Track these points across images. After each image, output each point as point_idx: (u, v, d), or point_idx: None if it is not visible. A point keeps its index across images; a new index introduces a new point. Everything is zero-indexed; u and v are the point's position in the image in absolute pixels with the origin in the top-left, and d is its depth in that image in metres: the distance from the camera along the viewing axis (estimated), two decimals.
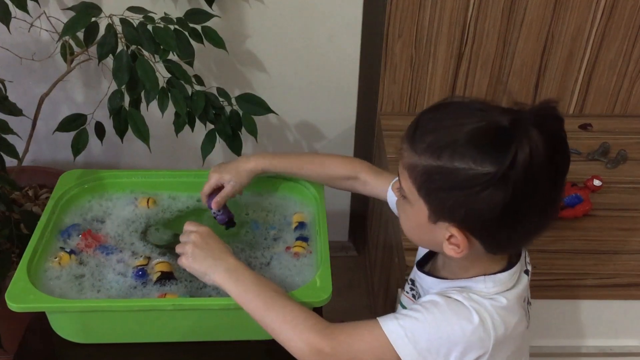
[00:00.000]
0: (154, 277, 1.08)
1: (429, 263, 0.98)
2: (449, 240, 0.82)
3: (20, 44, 1.59)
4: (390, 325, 0.83)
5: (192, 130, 1.48)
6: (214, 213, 1.17)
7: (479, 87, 1.70)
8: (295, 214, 1.23)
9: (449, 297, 0.83)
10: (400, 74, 1.68)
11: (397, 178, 0.88)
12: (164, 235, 1.19)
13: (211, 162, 1.80)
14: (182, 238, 1.01)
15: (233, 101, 1.50)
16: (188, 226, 1.02)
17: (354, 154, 1.87)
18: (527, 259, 0.93)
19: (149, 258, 1.12)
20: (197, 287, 1.07)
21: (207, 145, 1.52)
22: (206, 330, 1.07)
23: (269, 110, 1.50)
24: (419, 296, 0.97)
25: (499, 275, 0.86)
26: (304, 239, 1.17)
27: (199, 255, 0.97)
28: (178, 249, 1.00)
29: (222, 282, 0.94)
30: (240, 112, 1.50)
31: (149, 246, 1.16)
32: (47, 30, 1.55)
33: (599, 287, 1.24)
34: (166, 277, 1.08)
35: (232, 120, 1.49)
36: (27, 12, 1.42)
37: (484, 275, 0.86)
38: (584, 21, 1.59)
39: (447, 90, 1.70)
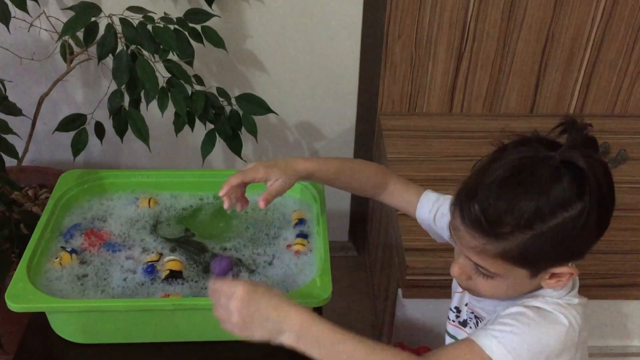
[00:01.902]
0: (163, 274, 1.08)
1: None
2: (551, 278, 0.85)
3: (20, 43, 1.59)
4: (490, 343, 0.82)
5: (192, 130, 1.48)
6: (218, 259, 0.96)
7: (479, 87, 1.70)
8: (294, 212, 1.23)
9: (532, 306, 0.85)
10: (400, 74, 1.67)
11: (462, 263, 0.87)
12: (175, 231, 1.19)
13: (211, 162, 1.80)
14: (217, 300, 0.86)
15: (233, 101, 1.50)
16: (223, 288, 0.85)
17: (354, 154, 1.87)
18: None
19: (160, 254, 1.12)
20: (201, 286, 1.07)
21: (207, 145, 1.51)
22: (206, 330, 1.07)
23: (269, 110, 1.50)
24: (469, 322, 0.98)
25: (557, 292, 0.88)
26: (303, 235, 1.17)
27: (254, 326, 0.83)
28: (219, 315, 0.86)
29: (298, 346, 0.81)
30: (240, 112, 1.50)
31: (160, 241, 1.16)
32: (46, 30, 1.55)
33: (599, 287, 1.24)
34: (175, 275, 1.08)
35: (232, 120, 1.49)
36: (27, 11, 1.42)
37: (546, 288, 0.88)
38: (584, 21, 1.59)
39: (448, 90, 1.70)
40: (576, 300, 0.87)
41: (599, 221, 0.80)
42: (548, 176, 0.78)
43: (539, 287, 0.87)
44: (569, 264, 0.85)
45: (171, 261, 1.10)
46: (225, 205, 1.03)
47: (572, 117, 0.81)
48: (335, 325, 0.82)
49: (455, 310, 1.02)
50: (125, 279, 1.08)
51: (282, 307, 0.82)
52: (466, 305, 1.00)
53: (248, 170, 1.04)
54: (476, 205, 0.80)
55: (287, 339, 0.81)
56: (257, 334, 0.83)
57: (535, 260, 0.81)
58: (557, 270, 0.84)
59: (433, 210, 1.05)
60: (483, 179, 0.82)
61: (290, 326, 0.81)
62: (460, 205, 0.83)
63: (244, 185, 1.05)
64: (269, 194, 1.03)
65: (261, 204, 1.02)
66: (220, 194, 1.02)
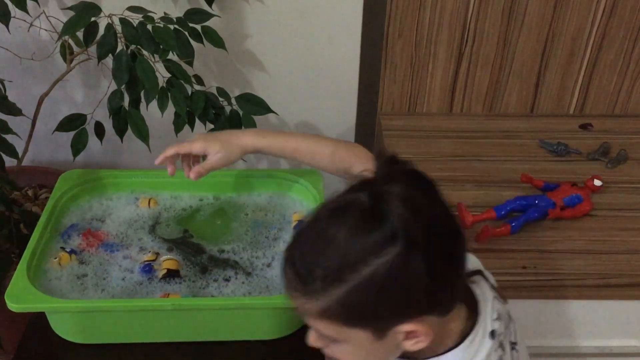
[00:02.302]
0: (160, 273, 1.08)
1: None
2: (407, 338, 0.74)
3: (19, 43, 1.59)
4: None
5: (192, 130, 1.48)
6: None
7: (479, 87, 1.69)
8: (295, 214, 1.23)
9: None
10: (400, 74, 1.67)
11: (312, 332, 0.78)
12: (174, 231, 1.19)
13: None
14: None
15: (233, 101, 1.50)
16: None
17: None
18: (494, 315, 0.83)
19: (157, 254, 1.12)
20: (199, 286, 1.07)
21: None
22: (206, 330, 1.07)
23: (268, 110, 1.50)
24: None
25: (460, 346, 0.79)
26: None
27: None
28: None
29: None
30: (240, 112, 1.50)
31: (157, 241, 1.16)
32: (46, 30, 1.55)
33: (600, 287, 1.24)
34: (172, 274, 1.08)
35: (232, 120, 1.49)
36: (27, 11, 1.42)
37: (446, 353, 0.79)
38: (584, 21, 1.59)
39: (448, 90, 1.70)
40: None
41: (431, 265, 0.68)
42: (355, 219, 0.68)
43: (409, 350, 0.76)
44: (421, 320, 0.72)
45: (167, 260, 1.10)
46: (169, 171, 1.06)
47: (381, 150, 0.72)
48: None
49: None
50: (123, 279, 1.08)
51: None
52: None
53: (186, 142, 1.03)
54: (288, 264, 0.72)
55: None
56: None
57: (364, 318, 0.71)
58: (406, 328, 0.72)
59: None
60: (296, 236, 0.75)
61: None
62: (281, 270, 0.74)
63: (186, 158, 1.06)
64: (202, 167, 1.03)
65: (191, 175, 1.03)
66: (156, 162, 1.04)
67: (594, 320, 1.31)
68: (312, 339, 0.79)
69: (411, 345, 0.75)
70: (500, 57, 1.65)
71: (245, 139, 1.04)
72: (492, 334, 0.81)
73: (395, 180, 0.70)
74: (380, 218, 0.67)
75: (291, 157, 1.08)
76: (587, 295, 1.25)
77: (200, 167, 1.03)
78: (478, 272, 0.87)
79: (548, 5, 1.56)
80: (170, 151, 1.03)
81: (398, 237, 0.67)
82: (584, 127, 1.68)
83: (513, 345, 0.85)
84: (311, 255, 0.71)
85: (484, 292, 0.84)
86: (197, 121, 1.47)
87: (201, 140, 1.03)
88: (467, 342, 0.79)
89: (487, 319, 0.82)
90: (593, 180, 1.40)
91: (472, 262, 0.91)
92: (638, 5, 1.57)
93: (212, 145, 1.02)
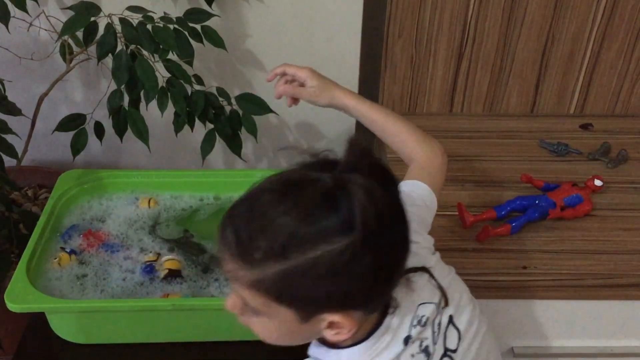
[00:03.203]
0: (162, 274, 1.08)
1: None
2: (330, 327, 0.73)
3: (19, 43, 1.59)
4: None
5: (192, 130, 1.48)
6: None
7: (479, 87, 1.69)
8: None
9: None
10: (400, 74, 1.67)
11: (234, 297, 0.75)
12: (174, 231, 1.19)
13: (211, 162, 1.80)
14: None
15: (233, 101, 1.50)
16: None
17: None
18: (414, 322, 0.80)
19: (158, 254, 1.12)
20: (200, 286, 1.07)
21: (207, 145, 1.51)
22: (206, 330, 1.07)
23: (268, 110, 1.50)
24: None
25: (352, 348, 0.77)
26: None
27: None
28: None
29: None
30: (240, 112, 1.50)
31: (158, 241, 1.16)
32: (46, 30, 1.55)
33: (600, 288, 1.24)
34: (173, 274, 1.08)
35: (231, 120, 1.49)
36: (26, 11, 1.42)
37: (348, 347, 0.77)
38: (584, 21, 1.59)
39: (448, 90, 1.70)
40: None
41: (377, 264, 0.66)
42: (314, 200, 0.66)
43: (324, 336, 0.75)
44: (349, 314, 0.71)
45: (169, 260, 1.10)
46: (276, 94, 1.13)
47: (356, 139, 0.70)
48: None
49: None
50: (124, 279, 1.08)
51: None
52: None
53: (295, 66, 1.12)
54: (230, 225, 0.69)
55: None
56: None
57: (295, 298, 0.69)
58: (332, 318, 0.70)
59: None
60: (246, 198, 0.71)
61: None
62: (220, 226, 0.71)
63: (289, 77, 1.13)
64: (292, 87, 1.12)
65: (279, 88, 1.12)
66: (268, 78, 1.14)
67: (595, 321, 1.31)
68: (231, 305, 0.75)
69: (331, 335, 0.73)
70: (501, 57, 1.65)
71: (339, 91, 1.12)
72: (406, 339, 0.79)
73: (362, 171, 0.67)
74: (339, 205, 0.65)
75: (368, 124, 1.14)
76: (588, 295, 1.25)
77: (291, 86, 1.11)
78: (422, 269, 0.84)
79: (548, 5, 1.56)
80: (279, 69, 1.12)
81: (353, 229, 0.64)
82: (584, 127, 1.68)
83: (448, 351, 0.82)
84: (258, 225, 0.67)
85: (413, 294, 0.80)
86: (197, 121, 1.46)
87: (308, 71, 1.12)
88: (368, 342, 0.77)
89: (405, 324, 0.79)
90: (593, 180, 1.40)
91: (424, 255, 0.89)
92: (638, 5, 1.57)
93: (313, 78, 1.11)
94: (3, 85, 1.43)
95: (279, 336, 0.76)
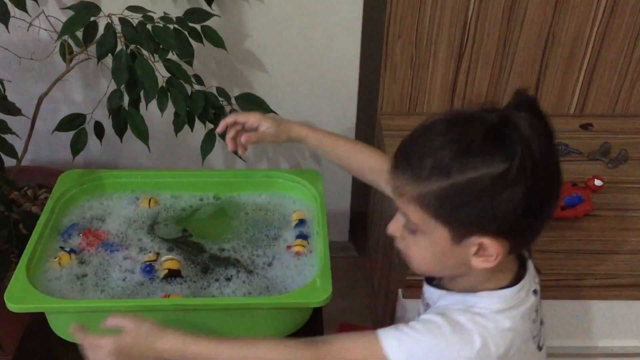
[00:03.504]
0: (162, 273, 1.08)
1: (436, 279, 0.95)
2: (477, 253, 0.80)
3: (19, 43, 1.59)
4: (390, 341, 0.81)
5: (192, 130, 1.48)
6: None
7: (479, 87, 1.69)
8: (294, 213, 1.23)
9: (452, 319, 0.81)
10: (400, 74, 1.67)
11: (397, 219, 0.84)
12: (173, 231, 1.19)
13: (211, 162, 1.80)
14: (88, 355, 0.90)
15: (233, 101, 1.50)
16: (89, 343, 0.90)
17: None
18: (537, 279, 0.91)
19: (158, 254, 1.12)
20: (200, 286, 1.07)
21: (207, 145, 1.51)
22: (206, 330, 1.07)
23: (268, 110, 1.50)
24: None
25: (504, 291, 0.84)
26: (303, 237, 1.17)
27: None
28: None
29: (180, 346, 0.86)
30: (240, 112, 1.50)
31: (157, 241, 1.16)
32: (46, 30, 1.55)
33: (600, 288, 1.24)
34: (173, 274, 1.08)
35: None
36: (26, 11, 1.42)
37: (490, 290, 0.84)
38: (584, 21, 1.59)
39: (448, 90, 1.70)
40: (507, 325, 0.82)
41: (527, 196, 0.74)
42: (479, 130, 0.76)
43: (468, 270, 0.82)
44: (498, 241, 0.78)
45: (168, 260, 1.10)
46: (230, 146, 1.11)
47: (524, 88, 0.79)
48: (211, 339, 0.85)
49: (425, 306, 1.00)
50: (124, 279, 1.08)
51: (155, 342, 0.86)
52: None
53: (243, 113, 1.12)
54: (405, 147, 0.81)
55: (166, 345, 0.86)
56: None
57: (451, 216, 0.77)
58: (483, 241, 0.78)
59: None
60: (422, 126, 0.81)
61: (168, 353, 0.86)
62: (399, 147, 0.82)
63: (239, 125, 1.11)
64: (254, 134, 1.11)
65: (242, 139, 1.10)
66: (217, 130, 1.12)
67: (595, 321, 1.31)
68: (393, 227, 0.85)
69: (478, 262, 0.80)
70: (501, 57, 1.65)
71: (294, 125, 1.12)
72: (535, 292, 0.88)
73: (525, 112, 0.75)
74: (504, 137, 0.74)
75: (329, 151, 1.14)
76: (588, 295, 1.25)
77: (252, 134, 1.11)
78: None
79: (548, 5, 1.56)
80: (230, 119, 1.11)
81: (512, 158, 0.73)
82: (584, 127, 1.68)
83: (542, 320, 0.91)
84: (427, 146, 0.77)
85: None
86: (197, 121, 1.46)
87: (258, 114, 1.12)
88: (518, 286, 0.84)
89: (531, 279, 0.88)
90: (594, 180, 1.40)
91: None
92: (639, 5, 1.57)
93: (266, 120, 1.11)
94: (3, 85, 1.43)
95: (431, 260, 0.84)
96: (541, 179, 0.75)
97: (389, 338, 0.81)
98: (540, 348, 0.90)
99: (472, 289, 0.85)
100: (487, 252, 0.79)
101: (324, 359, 0.83)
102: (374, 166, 1.10)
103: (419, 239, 0.82)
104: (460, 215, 0.77)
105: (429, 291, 0.93)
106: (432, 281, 0.94)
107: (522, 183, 0.74)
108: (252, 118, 1.11)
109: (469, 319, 0.81)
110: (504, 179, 0.73)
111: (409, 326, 0.82)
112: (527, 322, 0.85)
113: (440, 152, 0.76)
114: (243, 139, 1.10)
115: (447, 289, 0.89)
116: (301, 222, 1.20)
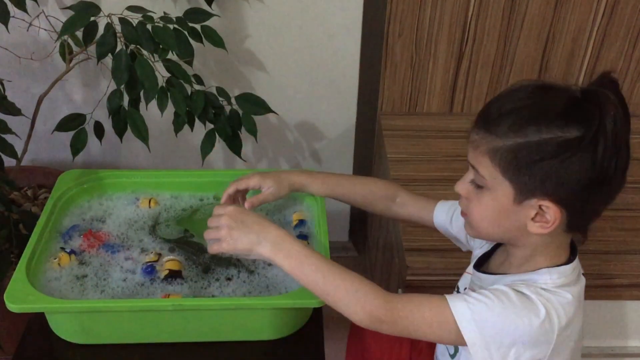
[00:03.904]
0: (163, 274, 1.08)
1: (484, 265, 0.98)
2: (534, 218, 0.83)
3: (18, 43, 1.58)
4: (459, 306, 0.83)
5: (192, 130, 1.48)
6: None
7: (479, 87, 1.69)
8: (295, 213, 1.23)
9: (517, 291, 0.84)
10: (400, 74, 1.67)
11: (465, 176, 0.89)
12: (174, 231, 1.19)
13: (211, 161, 1.80)
14: (211, 223, 0.97)
15: (233, 101, 1.50)
16: (217, 210, 0.97)
17: (354, 154, 1.87)
18: (580, 267, 0.93)
19: (159, 255, 1.12)
20: (201, 286, 1.07)
21: (207, 145, 1.51)
22: (206, 330, 1.07)
23: (268, 110, 1.50)
24: None
25: (563, 267, 0.86)
26: (304, 237, 1.17)
27: (238, 235, 0.92)
28: (209, 235, 0.96)
29: (271, 256, 0.91)
30: (240, 112, 1.50)
31: (159, 241, 1.16)
32: (45, 30, 1.55)
33: (601, 288, 1.24)
34: (174, 275, 1.08)
35: (231, 120, 1.49)
36: (26, 11, 1.42)
37: (548, 267, 0.86)
38: (584, 21, 1.59)
39: (448, 90, 1.70)
40: (569, 297, 0.85)
41: (594, 168, 0.77)
42: (562, 98, 0.80)
43: (523, 237, 0.86)
44: (558, 207, 0.81)
45: (170, 261, 1.10)
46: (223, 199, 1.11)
47: (609, 71, 0.81)
48: (311, 250, 0.91)
49: (456, 289, 1.03)
50: (124, 279, 1.08)
51: (263, 222, 0.94)
52: (465, 289, 1.00)
53: (243, 178, 1.12)
54: (489, 105, 0.85)
55: (264, 249, 0.91)
56: (240, 244, 0.92)
57: (520, 173, 0.80)
58: (544, 203, 0.81)
59: (450, 212, 1.08)
60: (509, 88, 0.85)
61: (267, 237, 0.91)
62: (486, 104, 0.86)
63: (241, 192, 1.13)
64: (257, 198, 1.11)
65: (246, 204, 1.11)
66: (222, 202, 1.11)
67: (595, 321, 1.31)
68: (460, 185, 0.90)
69: (534, 227, 0.83)
70: (501, 57, 1.65)
71: (293, 176, 1.14)
72: (582, 274, 0.91)
73: (609, 89, 0.78)
74: (584, 109, 0.77)
75: (332, 189, 1.15)
76: (588, 295, 1.24)
77: (255, 198, 1.11)
78: None
79: (548, 5, 1.56)
80: (231, 190, 1.12)
81: (587, 126, 0.76)
82: None
83: None
84: (510, 106, 0.81)
85: None
86: (197, 121, 1.46)
87: (257, 176, 1.12)
88: (574, 263, 0.88)
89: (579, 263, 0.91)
90: None
91: None
92: (639, 5, 1.57)
93: (266, 181, 1.11)
94: (3, 85, 1.43)
95: (491, 218, 0.86)
96: (611, 155, 0.78)
97: (457, 302, 0.83)
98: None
99: (529, 269, 0.87)
100: (545, 217, 0.82)
101: (392, 310, 0.85)
102: (383, 194, 1.14)
103: (484, 195, 0.86)
104: (527, 174, 0.80)
105: (480, 279, 0.94)
106: (480, 267, 0.96)
107: (592, 154, 0.77)
108: (252, 182, 1.12)
109: (534, 292, 0.83)
110: (574, 146, 0.77)
111: (478, 293, 0.84)
112: (582, 299, 0.88)
113: (521, 111, 0.80)
114: (247, 205, 1.10)
115: (502, 273, 0.91)
116: (301, 222, 1.20)
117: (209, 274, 1.10)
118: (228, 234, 0.93)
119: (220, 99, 1.49)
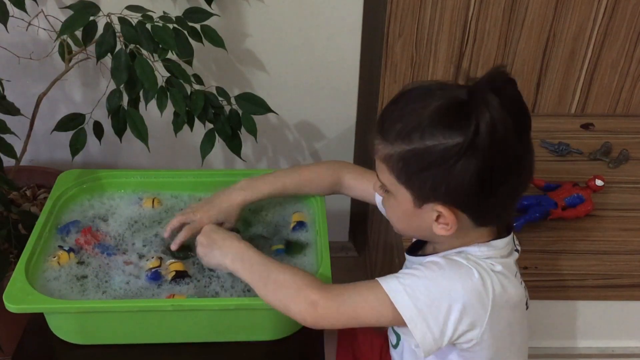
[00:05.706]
0: (169, 276, 1.07)
1: (420, 250, 0.99)
2: (437, 220, 0.85)
3: (18, 43, 1.58)
4: (390, 283, 0.85)
5: (191, 130, 1.48)
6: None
7: None
8: (294, 213, 1.22)
9: (448, 258, 0.86)
10: (400, 74, 1.67)
11: (376, 178, 0.90)
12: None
13: (211, 162, 1.80)
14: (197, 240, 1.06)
15: (232, 100, 1.50)
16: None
17: (354, 154, 1.87)
18: (516, 241, 0.95)
19: (160, 259, 1.11)
20: (204, 285, 1.07)
21: (206, 145, 1.51)
22: (206, 330, 1.07)
23: (268, 109, 1.50)
24: None
25: (494, 241, 0.88)
26: (303, 237, 1.17)
27: (208, 252, 1.01)
28: (197, 252, 1.05)
29: (233, 267, 0.98)
30: (240, 112, 1.49)
31: (160, 242, 1.15)
32: (45, 29, 1.55)
33: (601, 288, 1.23)
34: (181, 275, 1.07)
35: (231, 119, 1.49)
36: (25, 10, 1.42)
37: (478, 243, 0.88)
38: (585, 20, 1.58)
39: None
40: (499, 268, 0.86)
41: (480, 172, 0.78)
42: (446, 102, 0.80)
43: (435, 236, 0.87)
44: (453, 211, 0.83)
45: (173, 263, 1.09)
46: (173, 247, 1.11)
47: (503, 65, 0.84)
48: (267, 258, 0.97)
49: None
50: (127, 282, 1.07)
51: (230, 238, 1.01)
52: None
53: (188, 213, 1.12)
54: (383, 110, 0.87)
55: (228, 261, 0.98)
56: (213, 260, 1.01)
57: (410, 180, 0.83)
58: (439, 209, 0.83)
59: None
60: (400, 93, 0.87)
61: (230, 251, 0.98)
62: (382, 111, 0.88)
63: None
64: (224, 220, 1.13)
65: (172, 247, 1.11)
66: (165, 235, 1.13)
67: (596, 321, 1.31)
68: (375, 189, 0.93)
69: (437, 229, 0.85)
70: (501, 57, 1.64)
71: (236, 198, 1.13)
72: (517, 251, 0.93)
73: (493, 90, 0.77)
74: (466, 113, 0.77)
75: (283, 194, 1.17)
76: (589, 295, 1.25)
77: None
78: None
79: (549, 5, 1.56)
80: (176, 222, 1.13)
81: (470, 134, 0.76)
82: (585, 127, 1.68)
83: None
84: (398, 113, 0.83)
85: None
86: (197, 121, 1.46)
87: (201, 211, 1.12)
88: (506, 239, 0.89)
89: (512, 242, 0.92)
90: (595, 180, 1.40)
91: None
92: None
93: (216, 217, 1.12)
94: (2, 84, 1.42)
95: (402, 220, 0.90)
96: (498, 158, 0.79)
97: (389, 280, 0.85)
98: (527, 307, 0.95)
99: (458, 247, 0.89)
100: (445, 220, 0.84)
101: (330, 297, 0.87)
102: (330, 180, 1.16)
103: (390, 199, 0.89)
104: (418, 181, 0.83)
105: (412, 262, 0.96)
106: (416, 253, 0.98)
107: (476, 158, 0.78)
108: (196, 216, 1.11)
109: (464, 257, 0.86)
110: (456, 152, 0.78)
111: (408, 269, 0.87)
112: (514, 273, 0.89)
113: (407, 118, 0.82)
114: (174, 248, 1.12)
115: (433, 253, 0.92)
116: (300, 224, 1.20)
117: (210, 270, 1.09)
118: (202, 252, 1.03)
119: (220, 98, 1.48)
